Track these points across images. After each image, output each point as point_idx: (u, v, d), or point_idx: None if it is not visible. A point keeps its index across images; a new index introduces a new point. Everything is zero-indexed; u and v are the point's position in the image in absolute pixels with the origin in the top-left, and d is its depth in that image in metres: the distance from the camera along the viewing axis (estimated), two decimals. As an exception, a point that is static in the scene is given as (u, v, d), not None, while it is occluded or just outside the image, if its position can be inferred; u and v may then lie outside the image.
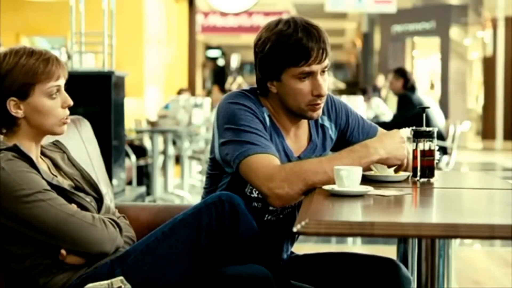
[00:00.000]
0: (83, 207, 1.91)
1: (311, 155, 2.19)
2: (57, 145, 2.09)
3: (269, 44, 2.05)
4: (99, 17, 5.21)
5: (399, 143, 2.04)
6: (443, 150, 6.71)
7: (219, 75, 24.43)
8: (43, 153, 2.03)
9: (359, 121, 2.32)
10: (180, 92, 10.95)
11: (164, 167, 7.67)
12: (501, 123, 15.80)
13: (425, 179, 2.11)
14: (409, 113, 6.57)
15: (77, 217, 1.82)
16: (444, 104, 15.71)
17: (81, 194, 1.96)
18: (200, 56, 19.07)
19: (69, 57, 6.07)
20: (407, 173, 2.17)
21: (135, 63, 10.59)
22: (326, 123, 2.26)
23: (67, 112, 1.97)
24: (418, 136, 2.12)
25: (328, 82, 2.14)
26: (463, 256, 5.03)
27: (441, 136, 6.58)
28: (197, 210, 1.88)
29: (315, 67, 2.06)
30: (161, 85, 12.52)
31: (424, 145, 2.11)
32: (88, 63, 5.82)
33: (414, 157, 2.12)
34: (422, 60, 20.39)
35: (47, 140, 2.04)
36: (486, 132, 16.34)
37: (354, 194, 1.84)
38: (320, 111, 2.13)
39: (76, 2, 5.17)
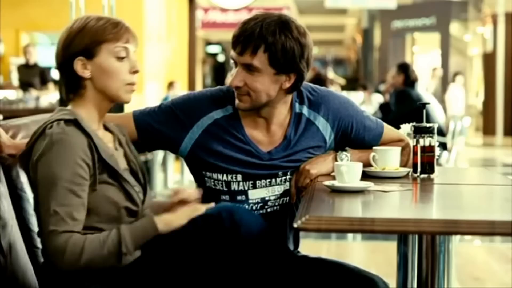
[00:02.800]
0: (130, 197, 1.88)
1: (283, 151, 2.16)
2: (119, 128, 2.06)
3: None
4: (99, 12, 5.20)
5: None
6: (443, 146, 6.70)
7: (219, 71, 24.39)
8: (107, 128, 2.00)
9: (365, 123, 2.26)
10: (170, 85, 10.98)
11: (164, 163, 7.67)
12: (501, 119, 15.79)
13: (425, 175, 2.11)
14: (407, 109, 6.57)
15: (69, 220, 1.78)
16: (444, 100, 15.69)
17: (132, 182, 1.92)
18: (200, 52, 19.06)
19: (69, 53, 6.04)
20: (407, 169, 2.16)
21: (135, 59, 10.57)
22: (318, 120, 2.20)
23: (135, 78, 1.93)
24: (418, 132, 2.12)
25: (257, 82, 2.05)
26: (464, 252, 5.03)
27: (441, 132, 6.58)
28: (195, 231, 1.84)
29: (235, 57, 2.06)
30: (161, 81, 12.51)
31: (424, 141, 2.11)
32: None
33: (415, 153, 2.12)
34: (422, 56, 20.37)
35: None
36: (486, 128, 16.32)
37: (354, 190, 1.84)
38: (240, 104, 2.09)
39: (76, -2, 5.16)
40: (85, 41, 1.88)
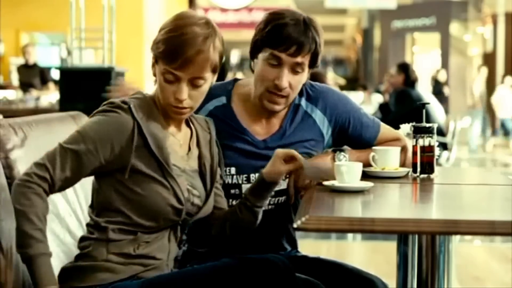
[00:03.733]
0: (175, 194, 1.85)
1: (279, 140, 2.17)
2: (207, 122, 2.05)
3: (263, 21, 2.12)
4: (99, 12, 5.21)
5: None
6: (443, 146, 6.71)
7: (219, 71, 24.39)
8: (191, 120, 1.99)
9: (362, 119, 2.27)
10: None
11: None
12: (501, 118, 15.80)
13: (425, 175, 2.11)
14: (407, 109, 6.57)
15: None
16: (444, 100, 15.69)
17: (194, 185, 1.92)
18: (200, 52, 19.03)
19: (69, 53, 6.06)
20: (406, 169, 2.16)
21: (135, 59, 10.57)
22: (315, 114, 2.22)
23: (178, 103, 1.86)
24: (418, 132, 2.12)
25: (299, 82, 2.11)
26: (464, 252, 5.03)
27: (441, 132, 6.58)
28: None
29: (285, 58, 2.07)
30: (161, 81, 12.52)
31: (424, 141, 2.11)
32: (88, 59, 5.82)
33: (414, 153, 2.12)
34: (422, 56, 20.37)
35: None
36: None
37: (354, 190, 1.84)
38: (276, 106, 2.12)
39: (76, -2, 5.17)
40: (163, 46, 1.85)
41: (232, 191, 2.14)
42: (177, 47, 1.82)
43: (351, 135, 2.25)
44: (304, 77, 2.13)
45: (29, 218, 1.73)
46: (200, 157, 1.98)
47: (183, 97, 1.85)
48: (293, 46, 2.06)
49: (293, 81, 2.09)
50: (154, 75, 1.90)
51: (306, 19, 2.09)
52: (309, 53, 2.08)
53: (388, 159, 2.16)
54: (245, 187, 2.12)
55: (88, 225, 1.90)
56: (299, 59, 2.07)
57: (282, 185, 2.15)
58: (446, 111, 10.22)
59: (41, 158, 1.79)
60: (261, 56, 2.10)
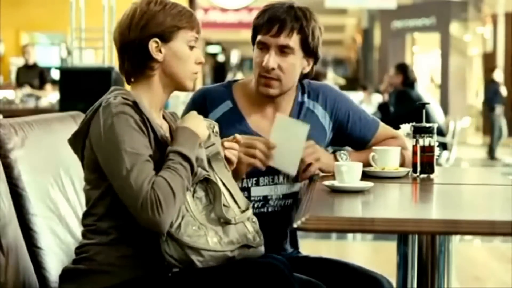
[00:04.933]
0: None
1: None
2: (174, 116, 2.04)
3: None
4: (99, 12, 5.21)
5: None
6: (443, 146, 6.71)
7: (219, 71, 24.39)
8: (164, 117, 1.98)
9: (360, 115, 2.29)
10: None
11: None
12: (501, 119, 15.78)
13: (425, 175, 2.11)
14: (407, 109, 6.58)
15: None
16: (444, 100, 15.70)
17: None
18: (200, 52, 19.07)
19: (69, 52, 6.06)
20: (406, 169, 2.16)
21: (135, 59, 10.57)
22: (317, 109, 2.24)
23: (199, 68, 1.94)
24: (417, 132, 2.12)
25: (291, 65, 2.12)
26: (463, 252, 5.03)
27: (441, 132, 6.58)
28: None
29: (269, 39, 2.10)
30: (161, 81, 12.53)
31: (424, 141, 2.11)
32: (88, 59, 5.82)
33: (414, 153, 2.13)
34: (422, 56, 20.37)
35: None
36: (486, 128, 16.32)
37: (354, 190, 1.84)
38: (270, 90, 2.13)
39: (76, -2, 5.17)
40: (165, 24, 1.86)
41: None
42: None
43: (350, 130, 2.26)
44: (297, 60, 2.13)
45: (182, 180, 1.75)
46: None
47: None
48: (274, 26, 2.09)
49: (283, 64, 2.11)
50: (147, 67, 1.87)
51: (294, 4, 2.12)
52: (292, 32, 2.10)
53: (388, 159, 2.16)
54: (254, 190, 2.14)
55: (87, 231, 1.87)
56: (282, 39, 2.09)
57: (290, 188, 2.16)
58: (446, 112, 10.22)
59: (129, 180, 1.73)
60: (256, 43, 2.15)
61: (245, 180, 2.13)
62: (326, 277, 2.07)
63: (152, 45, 1.86)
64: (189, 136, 1.82)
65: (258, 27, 2.13)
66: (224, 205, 1.85)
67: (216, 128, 1.95)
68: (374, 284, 2.07)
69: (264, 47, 2.11)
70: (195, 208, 1.82)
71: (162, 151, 1.82)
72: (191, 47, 1.90)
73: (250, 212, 1.88)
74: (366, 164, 2.14)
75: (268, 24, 2.10)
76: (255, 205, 2.15)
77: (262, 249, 1.86)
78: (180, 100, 7.87)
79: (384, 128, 2.32)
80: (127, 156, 1.73)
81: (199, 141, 1.84)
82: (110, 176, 1.77)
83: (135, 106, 1.80)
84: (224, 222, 1.83)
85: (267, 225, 2.04)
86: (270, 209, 2.17)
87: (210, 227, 1.81)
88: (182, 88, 1.93)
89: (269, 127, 2.13)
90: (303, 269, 2.11)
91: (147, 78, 1.89)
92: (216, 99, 2.18)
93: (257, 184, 2.15)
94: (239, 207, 1.87)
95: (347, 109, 2.26)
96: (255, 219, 1.88)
